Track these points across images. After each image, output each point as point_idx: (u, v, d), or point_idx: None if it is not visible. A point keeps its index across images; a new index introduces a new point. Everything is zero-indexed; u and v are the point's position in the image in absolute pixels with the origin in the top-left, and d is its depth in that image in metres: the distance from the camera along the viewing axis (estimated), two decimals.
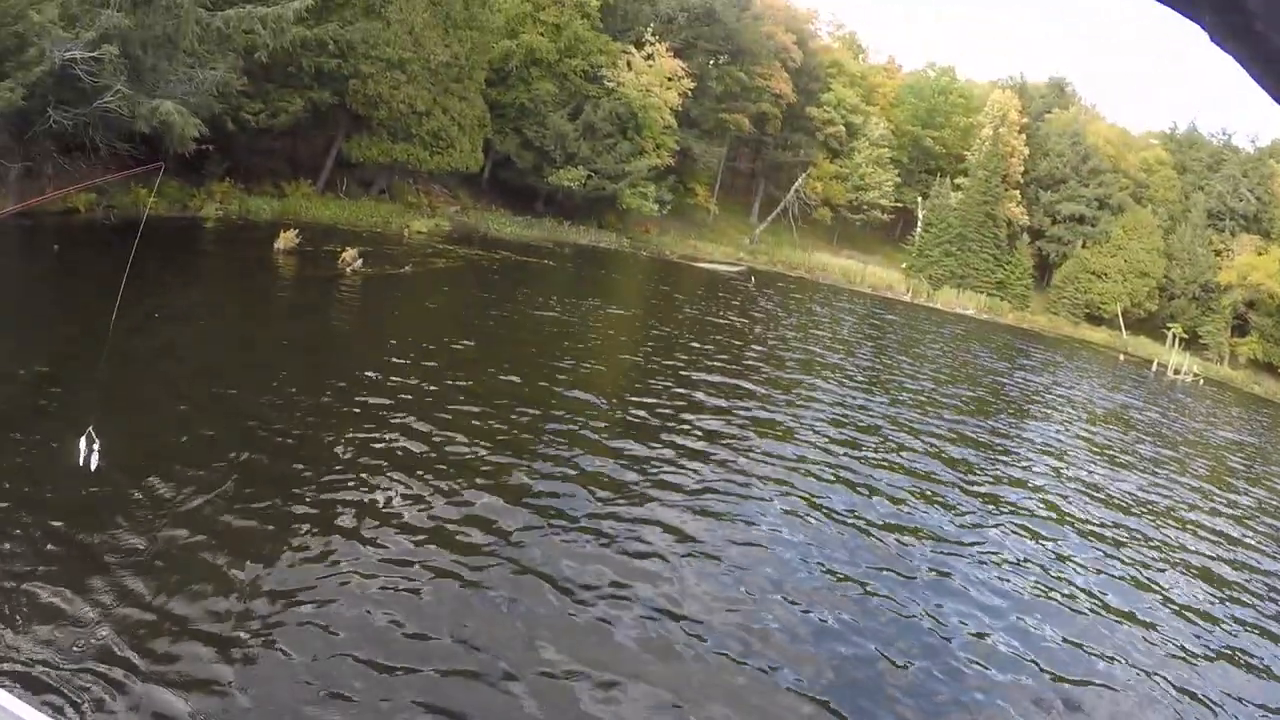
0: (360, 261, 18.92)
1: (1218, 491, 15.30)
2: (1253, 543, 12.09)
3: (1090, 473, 14.14)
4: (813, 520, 8.81)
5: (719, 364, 15.61)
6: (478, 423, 9.75)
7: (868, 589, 7.51)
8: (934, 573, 8.25)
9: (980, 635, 7.10)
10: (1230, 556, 11.04)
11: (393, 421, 9.32)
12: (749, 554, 7.73)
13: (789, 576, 7.46)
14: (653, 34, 44.73)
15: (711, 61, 50.49)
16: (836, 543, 8.26)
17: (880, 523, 9.13)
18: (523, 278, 24.57)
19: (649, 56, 43.57)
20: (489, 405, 10.46)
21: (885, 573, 7.91)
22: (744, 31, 51.51)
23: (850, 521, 8.89)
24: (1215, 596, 9.42)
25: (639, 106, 41.79)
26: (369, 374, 10.86)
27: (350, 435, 8.83)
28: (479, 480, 8.23)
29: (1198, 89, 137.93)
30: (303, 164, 29.67)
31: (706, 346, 17.23)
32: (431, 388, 10.73)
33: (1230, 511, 13.85)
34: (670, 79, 43.16)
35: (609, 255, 36.60)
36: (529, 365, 12.76)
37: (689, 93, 44.19)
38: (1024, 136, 60.94)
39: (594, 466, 9.08)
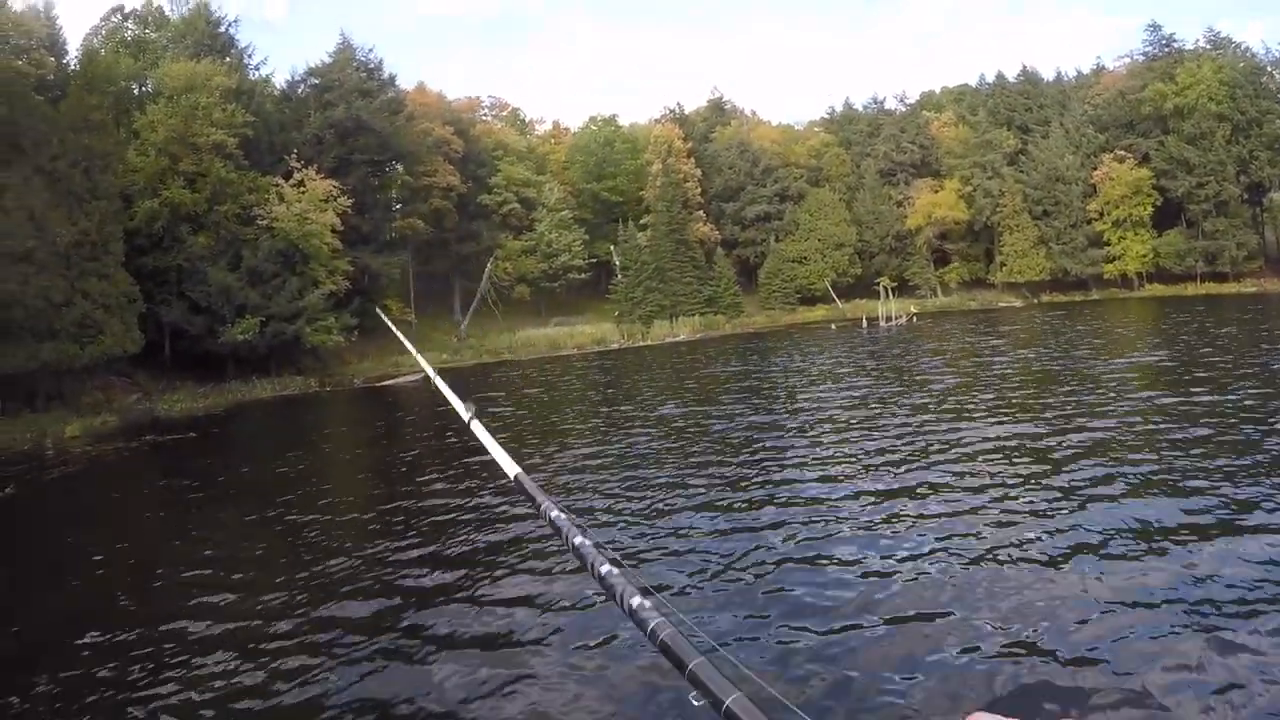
0: None
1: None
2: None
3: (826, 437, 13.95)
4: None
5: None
6: None
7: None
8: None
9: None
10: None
11: None
12: None
13: None
14: (298, 159, 42.99)
15: (371, 173, 49.48)
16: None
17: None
18: (142, 469, 20.60)
19: (299, 183, 41.71)
20: None
21: None
22: (399, 135, 51.12)
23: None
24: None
25: (299, 237, 39.71)
26: None
27: None
28: None
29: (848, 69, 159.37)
30: None
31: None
32: None
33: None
34: (325, 200, 41.51)
35: (282, 405, 32.78)
36: None
37: (350, 209, 42.72)
38: (692, 160, 65.43)
39: None
